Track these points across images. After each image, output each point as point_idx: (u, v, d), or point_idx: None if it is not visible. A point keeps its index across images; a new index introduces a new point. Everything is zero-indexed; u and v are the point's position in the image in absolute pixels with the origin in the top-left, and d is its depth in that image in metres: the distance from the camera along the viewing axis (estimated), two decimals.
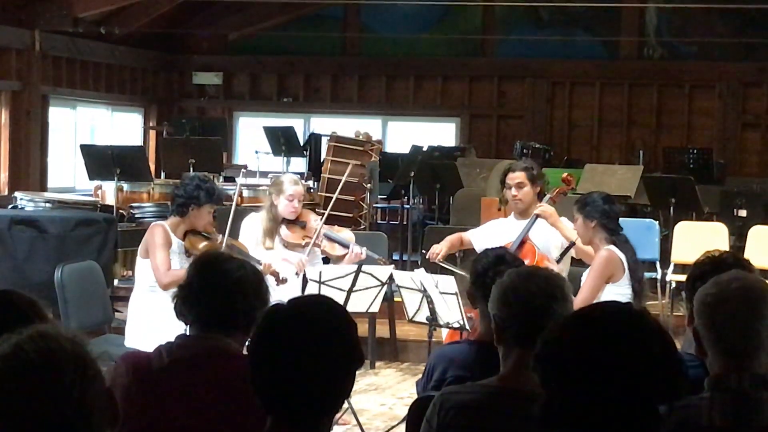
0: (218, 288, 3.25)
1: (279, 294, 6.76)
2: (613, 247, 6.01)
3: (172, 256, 6.38)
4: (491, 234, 6.86)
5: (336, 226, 7.76)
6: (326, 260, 7.42)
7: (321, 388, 2.36)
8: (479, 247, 6.68)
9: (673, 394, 2.21)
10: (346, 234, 7.50)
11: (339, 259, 7.22)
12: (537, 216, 6.64)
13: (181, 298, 3.32)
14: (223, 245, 6.57)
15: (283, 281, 6.74)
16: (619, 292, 5.94)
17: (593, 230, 6.05)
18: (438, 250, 6.88)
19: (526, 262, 6.17)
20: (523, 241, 6.61)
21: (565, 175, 7.24)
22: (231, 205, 7.34)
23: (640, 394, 2.16)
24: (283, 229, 7.13)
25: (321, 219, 7.38)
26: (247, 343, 3.39)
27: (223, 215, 7.28)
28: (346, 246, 7.21)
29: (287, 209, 7.08)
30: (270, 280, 6.61)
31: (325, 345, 2.36)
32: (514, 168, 6.93)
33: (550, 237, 6.68)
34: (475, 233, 7.08)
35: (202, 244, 6.49)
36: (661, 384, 2.18)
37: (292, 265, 6.99)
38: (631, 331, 2.20)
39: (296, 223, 7.17)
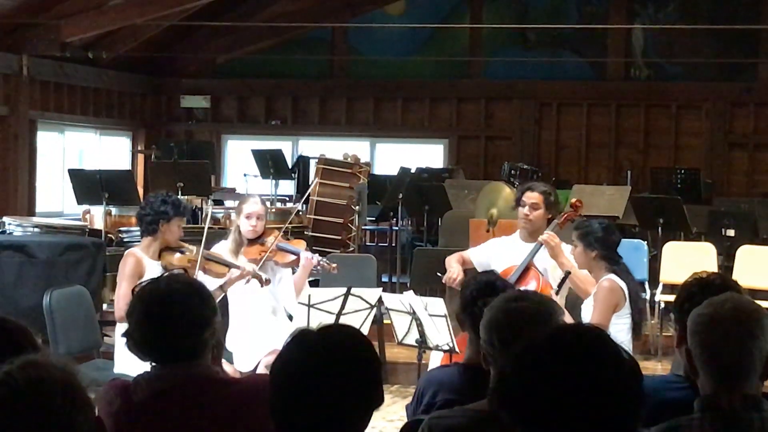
0: (176, 321, 3.01)
1: (249, 303, 6.84)
2: (613, 276, 5.99)
3: None
4: (494, 253, 6.75)
5: (292, 239, 7.76)
6: (315, 283, 7.39)
7: (339, 421, 2.33)
8: (479, 265, 6.63)
9: (631, 419, 2.16)
10: (298, 245, 7.48)
11: (290, 265, 7.18)
12: (542, 243, 6.47)
13: (137, 340, 3.07)
14: (199, 257, 6.63)
15: (267, 282, 6.78)
16: (620, 322, 5.93)
17: (593, 260, 6.04)
18: (454, 275, 6.63)
19: (531, 286, 6.15)
20: (527, 267, 6.48)
21: (574, 200, 7.03)
22: (215, 228, 7.33)
23: (598, 420, 2.10)
24: (245, 248, 7.13)
25: (278, 232, 7.36)
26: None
27: (212, 237, 7.28)
28: (295, 253, 7.18)
29: (245, 228, 7.05)
30: (254, 284, 6.74)
31: (349, 378, 2.33)
32: (533, 188, 6.75)
33: (553, 264, 6.56)
34: (476, 251, 6.94)
35: (177, 258, 6.63)
36: (620, 410, 2.12)
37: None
38: (587, 356, 2.15)
39: (257, 241, 7.14)
